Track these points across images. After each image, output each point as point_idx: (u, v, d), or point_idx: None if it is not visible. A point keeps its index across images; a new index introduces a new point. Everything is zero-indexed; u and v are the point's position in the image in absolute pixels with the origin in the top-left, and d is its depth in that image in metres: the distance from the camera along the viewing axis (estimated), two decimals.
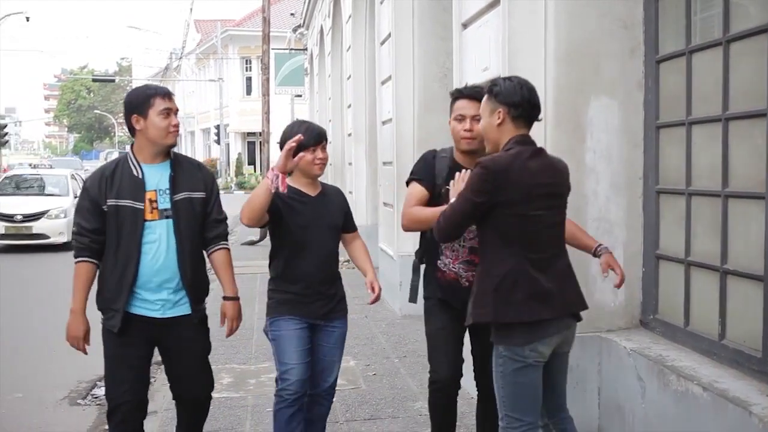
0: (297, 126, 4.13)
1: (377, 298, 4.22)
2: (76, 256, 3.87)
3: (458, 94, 4.01)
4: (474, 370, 4.15)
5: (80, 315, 3.91)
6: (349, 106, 13.83)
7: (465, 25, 5.85)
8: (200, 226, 3.98)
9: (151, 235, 3.84)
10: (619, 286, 3.71)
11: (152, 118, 3.81)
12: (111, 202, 3.81)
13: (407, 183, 4.12)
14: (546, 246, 3.36)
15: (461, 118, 3.92)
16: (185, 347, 4.02)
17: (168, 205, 3.87)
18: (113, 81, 66.87)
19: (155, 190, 3.86)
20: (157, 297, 3.89)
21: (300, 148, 3.89)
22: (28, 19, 38.90)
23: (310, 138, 4.00)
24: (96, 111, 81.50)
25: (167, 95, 3.87)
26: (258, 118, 20.77)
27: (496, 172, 3.24)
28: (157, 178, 3.88)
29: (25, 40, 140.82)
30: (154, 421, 5.40)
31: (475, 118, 3.75)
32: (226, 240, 4.13)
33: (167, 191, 3.88)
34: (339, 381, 6.05)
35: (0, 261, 14.88)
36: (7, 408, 6.03)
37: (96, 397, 6.32)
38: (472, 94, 3.90)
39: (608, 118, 4.52)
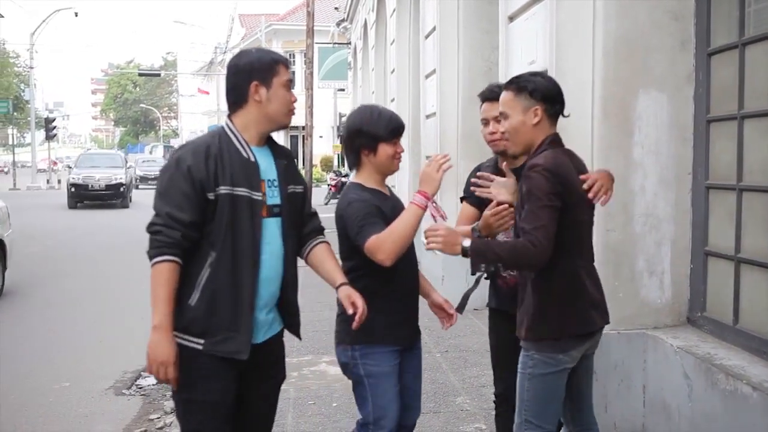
0: (372, 114, 3.42)
1: (452, 323, 3.65)
2: (156, 255, 2.96)
3: (480, 98, 3.87)
4: None
5: (168, 332, 2.95)
6: (393, 100, 13.81)
7: (511, 18, 5.80)
8: (299, 225, 3.31)
9: (266, 235, 3.10)
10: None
11: (276, 89, 3.08)
12: (224, 189, 2.99)
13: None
14: (590, 252, 3.30)
15: (485, 123, 3.81)
16: (266, 375, 3.26)
17: (278, 200, 3.14)
18: (159, 75, 67.87)
19: (264, 180, 3.11)
20: (263, 316, 3.15)
21: (377, 139, 3.34)
22: (76, 14, 39.52)
23: (389, 129, 3.38)
24: (142, 105, 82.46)
25: (288, 65, 3.18)
26: (301, 112, 20.79)
27: (558, 173, 3.04)
28: (264, 165, 3.12)
29: (73, 36, 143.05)
30: None
31: (497, 119, 3.51)
32: (323, 233, 3.46)
33: (275, 183, 3.15)
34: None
35: (50, 250, 15.14)
36: (55, 396, 6.13)
37: (140, 388, 6.40)
38: (491, 96, 3.73)
39: (657, 112, 4.45)
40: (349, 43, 26.65)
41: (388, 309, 3.31)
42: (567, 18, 4.66)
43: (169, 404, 5.84)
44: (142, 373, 6.77)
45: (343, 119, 3.75)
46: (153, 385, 6.47)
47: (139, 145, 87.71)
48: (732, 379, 3.62)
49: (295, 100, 3.18)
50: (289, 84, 3.14)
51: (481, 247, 3.06)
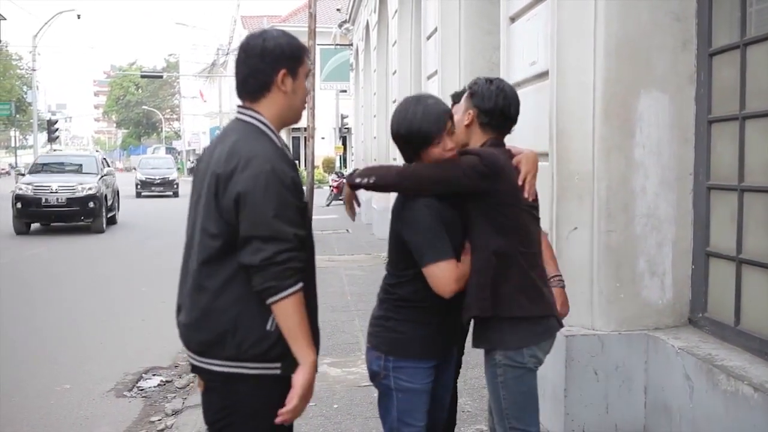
0: (415, 106, 3.05)
1: None
2: (292, 285, 2.57)
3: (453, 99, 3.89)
4: None
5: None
6: (395, 101, 13.81)
7: (513, 19, 5.79)
8: None
9: None
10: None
11: (301, 80, 2.75)
12: (305, 198, 2.76)
13: None
14: (534, 242, 3.15)
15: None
16: None
17: None
18: (161, 77, 67.89)
19: None
20: None
21: (425, 140, 2.99)
22: (79, 16, 39.48)
23: (435, 124, 3.01)
24: (144, 107, 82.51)
25: (309, 55, 2.90)
26: (303, 113, 20.79)
27: (489, 157, 3.02)
28: None
29: (76, 38, 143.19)
30: (198, 414, 5.43)
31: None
32: None
33: None
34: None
35: (50, 251, 15.14)
36: (57, 399, 6.12)
37: (141, 390, 6.39)
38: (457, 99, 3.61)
39: (658, 112, 4.44)
40: (351, 45, 26.65)
41: (427, 321, 3.09)
42: (568, 18, 4.65)
43: (170, 406, 5.84)
44: (143, 375, 6.78)
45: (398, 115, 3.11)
46: (154, 387, 6.47)
47: (141, 147, 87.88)
48: (733, 379, 3.61)
49: (309, 93, 2.88)
50: (308, 75, 2.82)
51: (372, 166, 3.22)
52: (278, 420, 2.63)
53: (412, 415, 3.12)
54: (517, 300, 3.04)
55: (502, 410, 3.12)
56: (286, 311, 2.58)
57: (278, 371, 2.66)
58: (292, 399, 2.61)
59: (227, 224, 2.61)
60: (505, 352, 3.06)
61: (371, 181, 3.07)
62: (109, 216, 19.78)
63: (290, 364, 2.66)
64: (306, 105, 2.88)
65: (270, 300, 2.57)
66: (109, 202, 19.87)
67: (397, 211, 3.09)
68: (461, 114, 3.21)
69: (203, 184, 2.71)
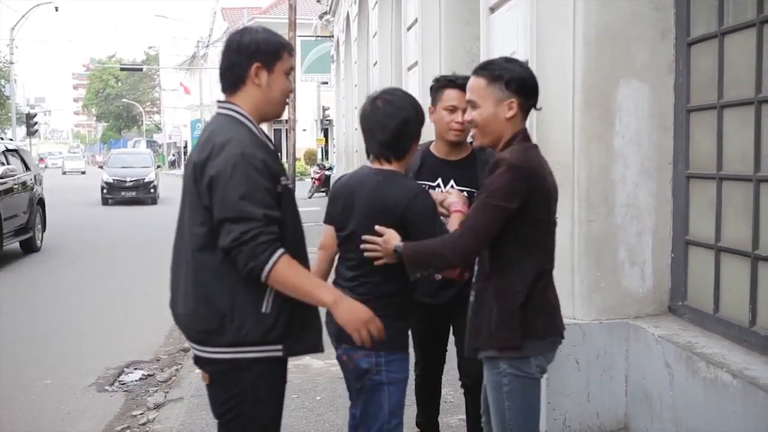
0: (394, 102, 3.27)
1: None
2: (270, 256, 2.61)
3: (448, 84, 3.73)
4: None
5: (346, 297, 2.87)
6: None
7: (492, 9, 5.80)
8: None
9: None
10: None
11: (278, 75, 2.82)
12: (284, 181, 2.80)
13: None
14: (553, 256, 3.09)
15: (452, 109, 3.69)
16: None
17: None
18: (141, 70, 67.36)
19: None
20: None
21: (416, 135, 3.27)
22: (57, 9, 39.15)
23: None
24: (124, 100, 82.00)
25: (292, 52, 2.92)
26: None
27: (528, 172, 2.86)
28: None
29: (54, 30, 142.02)
30: (180, 407, 5.43)
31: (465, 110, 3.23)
32: None
33: None
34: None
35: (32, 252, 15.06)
36: (37, 394, 6.08)
37: (123, 384, 6.37)
38: (465, 84, 3.25)
39: (638, 102, 4.45)
40: (332, 36, 26.61)
41: (407, 314, 3.25)
42: (548, 8, 4.65)
43: (152, 400, 5.82)
44: (124, 369, 6.75)
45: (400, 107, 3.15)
46: (136, 381, 6.45)
47: (122, 140, 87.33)
48: (712, 366, 3.64)
49: (292, 91, 2.97)
50: (290, 72, 2.89)
51: (410, 252, 2.95)
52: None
53: (400, 406, 3.24)
54: (533, 321, 2.93)
55: (506, 421, 2.99)
56: (279, 281, 2.64)
57: (280, 353, 2.75)
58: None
59: (207, 210, 2.68)
60: (511, 361, 2.94)
61: (432, 274, 3.12)
62: (23, 239, 13.38)
63: (292, 345, 2.78)
64: (288, 98, 2.93)
65: (261, 279, 2.63)
66: (20, 221, 13.14)
67: (397, 206, 3.08)
68: (492, 107, 2.93)
69: (187, 175, 2.79)
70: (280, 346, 2.74)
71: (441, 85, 3.78)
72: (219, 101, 2.86)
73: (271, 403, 2.82)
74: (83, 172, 60.04)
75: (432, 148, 3.89)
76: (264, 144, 2.78)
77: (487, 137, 2.99)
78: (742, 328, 3.85)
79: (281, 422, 2.94)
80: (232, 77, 2.80)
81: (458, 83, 3.64)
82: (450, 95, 3.73)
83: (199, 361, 2.85)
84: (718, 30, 4.06)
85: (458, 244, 2.86)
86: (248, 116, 2.79)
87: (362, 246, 3.03)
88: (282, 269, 2.62)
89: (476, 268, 3.09)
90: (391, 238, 3.00)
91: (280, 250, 2.63)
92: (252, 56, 2.76)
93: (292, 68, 2.91)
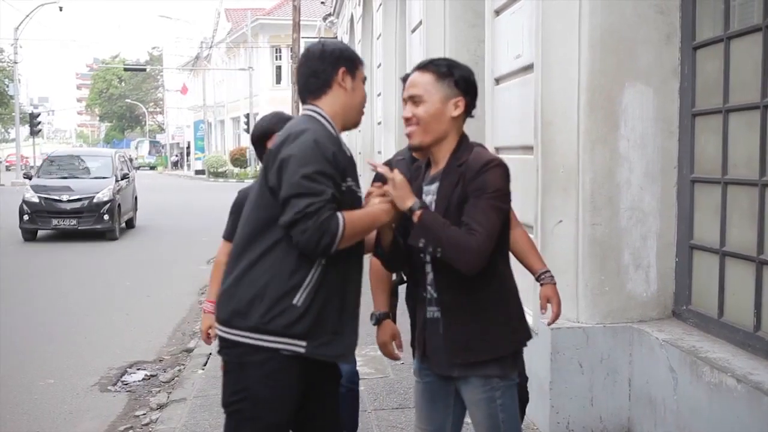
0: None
1: None
2: (337, 223, 2.66)
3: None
4: None
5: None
6: (379, 95, 13.79)
7: (498, 12, 5.79)
8: None
9: None
10: (549, 323, 3.44)
11: (359, 81, 2.94)
12: (350, 182, 2.84)
13: None
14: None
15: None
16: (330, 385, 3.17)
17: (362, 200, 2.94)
18: (144, 70, 67.42)
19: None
20: None
21: (265, 137, 3.61)
22: (61, 8, 39.22)
23: (277, 125, 3.54)
24: (127, 100, 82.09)
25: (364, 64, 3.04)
26: (287, 107, 20.81)
27: (509, 174, 2.79)
28: None
29: (58, 30, 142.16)
30: (183, 408, 5.43)
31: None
32: None
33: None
34: (367, 369, 6.08)
35: (37, 248, 15.05)
36: (40, 393, 6.09)
37: (126, 384, 6.37)
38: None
39: (643, 105, 4.45)
40: (336, 38, 26.59)
41: None
42: (553, 11, 4.65)
43: (155, 400, 5.82)
44: (127, 369, 6.75)
45: None
46: (139, 381, 6.45)
47: (125, 141, 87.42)
48: (717, 371, 3.63)
49: (366, 99, 3.02)
50: (365, 82, 2.99)
51: (429, 221, 2.71)
52: None
53: None
54: (525, 326, 2.91)
55: None
56: (348, 239, 2.68)
57: (302, 350, 2.72)
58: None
59: (272, 194, 2.72)
60: (504, 371, 2.85)
61: (438, 254, 2.72)
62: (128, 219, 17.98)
63: (317, 346, 2.74)
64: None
65: (332, 250, 2.65)
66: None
67: None
68: (438, 103, 2.81)
69: (261, 168, 2.88)
70: (304, 343, 2.72)
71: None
72: (304, 105, 2.93)
73: (275, 407, 2.78)
74: None
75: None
76: (339, 143, 2.82)
77: (428, 136, 2.83)
78: (746, 333, 3.84)
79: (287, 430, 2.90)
80: (317, 83, 2.87)
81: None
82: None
83: (221, 344, 2.86)
84: (724, 34, 4.06)
85: (481, 246, 2.67)
86: (328, 118, 2.85)
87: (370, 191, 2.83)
88: (349, 228, 2.66)
89: (430, 279, 2.89)
90: (405, 185, 2.79)
91: (340, 216, 2.64)
92: (337, 61, 2.86)
93: (365, 79, 2.99)
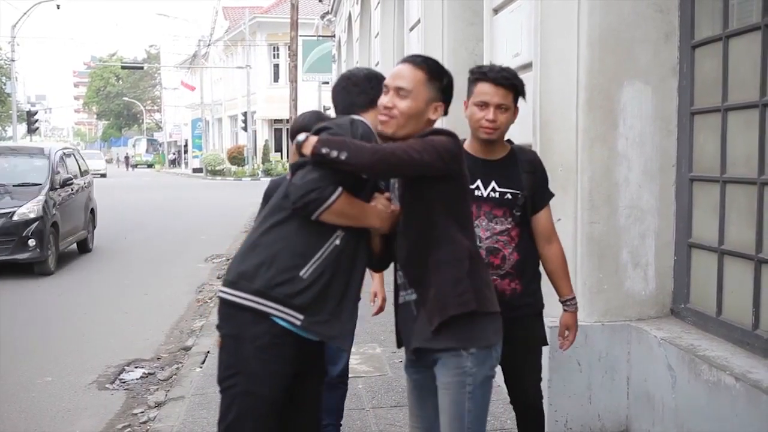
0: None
1: (380, 310, 4.25)
2: (331, 193, 2.75)
3: (482, 76, 3.37)
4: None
5: None
6: None
7: (496, 11, 5.79)
8: None
9: None
10: (563, 349, 3.59)
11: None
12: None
13: None
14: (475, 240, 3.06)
15: (483, 106, 3.34)
16: (316, 371, 3.29)
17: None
18: (142, 68, 67.36)
19: None
20: None
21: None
22: (58, 6, 39.11)
23: (311, 122, 3.74)
24: (125, 98, 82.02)
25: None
26: (285, 105, 20.81)
27: (461, 144, 2.93)
28: None
29: (55, 28, 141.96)
30: (181, 406, 5.43)
31: (500, 108, 3.30)
32: None
33: None
34: (365, 368, 6.09)
35: None
36: (38, 392, 6.08)
37: (124, 382, 6.37)
38: (499, 79, 3.33)
39: (641, 103, 4.45)
40: (334, 36, 26.59)
41: None
42: (552, 9, 4.65)
43: (153, 398, 5.82)
44: (125, 367, 6.75)
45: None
46: (137, 379, 6.45)
47: (122, 139, 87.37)
48: (715, 370, 3.64)
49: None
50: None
51: (330, 137, 2.71)
52: None
53: None
54: (486, 295, 2.84)
55: (464, 426, 2.82)
56: (339, 212, 2.74)
57: (299, 322, 2.81)
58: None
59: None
60: (477, 353, 2.80)
61: (341, 157, 2.64)
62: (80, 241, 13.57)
63: (314, 322, 2.82)
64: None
65: (316, 213, 2.71)
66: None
67: None
68: (422, 103, 2.87)
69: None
70: (301, 316, 2.81)
71: (474, 77, 3.42)
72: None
73: (267, 382, 2.86)
74: (103, 175, 48.62)
75: (467, 147, 3.46)
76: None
77: (403, 130, 2.86)
78: (745, 331, 3.85)
79: (277, 412, 2.94)
80: (366, 99, 3.04)
81: (491, 76, 3.36)
82: (483, 89, 3.36)
83: (221, 313, 2.93)
84: (723, 33, 4.06)
85: (386, 151, 2.69)
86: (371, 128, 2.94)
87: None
88: (337, 206, 2.72)
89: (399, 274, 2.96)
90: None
91: (339, 188, 2.71)
92: (380, 84, 3.00)
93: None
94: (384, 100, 2.89)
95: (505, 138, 3.47)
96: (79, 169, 14.06)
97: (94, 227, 14.47)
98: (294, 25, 17.79)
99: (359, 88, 3.10)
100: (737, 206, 4.00)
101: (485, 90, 3.34)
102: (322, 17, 27.91)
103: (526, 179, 3.44)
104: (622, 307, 4.51)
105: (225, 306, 2.91)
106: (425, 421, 3.04)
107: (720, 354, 3.80)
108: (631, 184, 4.49)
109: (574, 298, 3.54)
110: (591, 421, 4.49)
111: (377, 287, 4.25)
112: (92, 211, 14.23)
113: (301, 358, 2.92)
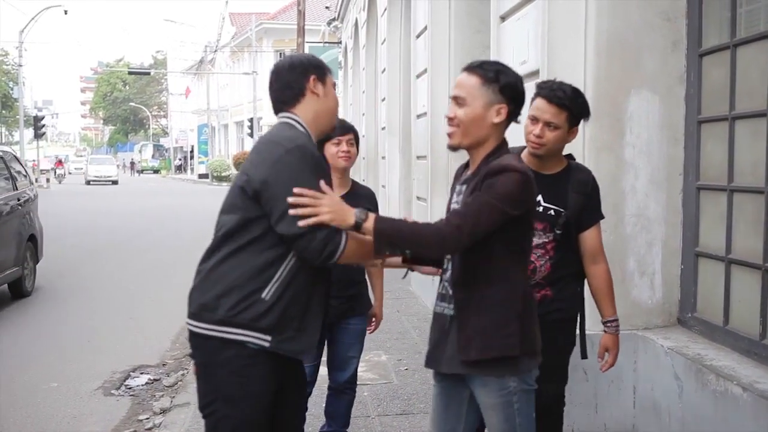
0: None
1: (374, 330, 4.47)
2: (342, 233, 2.80)
3: (539, 91, 3.42)
4: None
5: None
6: (384, 100, 13.80)
7: (503, 18, 5.79)
8: None
9: None
10: (603, 370, 3.61)
11: (329, 87, 3.04)
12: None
13: None
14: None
15: (534, 120, 3.38)
16: (298, 383, 3.28)
17: None
18: (148, 74, 67.62)
19: None
20: None
21: (324, 139, 3.82)
22: (66, 12, 39.30)
23: (335, 128, 3.97)
24: (131, 103, 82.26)
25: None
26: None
27: (531, 182, 2.76)
28: None
29: (62, 33, 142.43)
30: (186, 412, 5.43)
31: (549, 126, 3.33)
32: None
33: None
34: (371, 375, 6.08)
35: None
36: (43, 397, 6.09)
37: (129, 388, 6.37)
38: (551, 97, 3.35)
39: (649, 112, 4.45)
40: (340, 42, 26.60)
41: None
42: (559, 17, 4.65)
43: (159, 405, 5.82)
44: (131, 373, 6.75)
45: None
46: (142, 385, 6.45)
47: (128, 144, 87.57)
48: (722, 379, 3.62)
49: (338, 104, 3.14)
50: (334, 88, 3.10)
51: (386, 226, 2.70)
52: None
53: None
54: (532, 336, 2.85)
55: None
56: (348, 257, 2.80)
57: (267, 344, 2.80)
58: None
59: (251, 198, 2.82)
60: (520, 375, 2.83)
61: (407, 254, 2.80)
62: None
63: (281, 341, 2.82)
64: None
65: (335, 259, 2.76)
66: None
67: None
68: (480, 108, 2.81)
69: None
70: (269, 337, 2.80)
71: (535, 91, 3.45)
72: (280, 114, 3.01)
73: (247, 404, 2.85)
74: (115, 182, 47.81)
75: (523, 156, 3.47)
76: (316, 147, 2.95)
77: (467, 138, 2.83)
78: (752, 341, 3.83)
79: (265, 429, 2.94)
80: (291, 93, 2.97)
81: (542, 93, 3.39)
82: (537, 104, 3.41)
83: (191, 342, 2.93)
84: (730, 41, 4.05)
85: (455, 236, 2.66)
86: (303, 124, 2.94)
87: (292, 200, 2.72)
88: (350, 247, 2.77)
89: (446, 275, 2.95)
90: (338, 202, 2.77)
91: (343, 233, 2.76)
92: (306, 70, 2.96)
93: (335, 85, 3.10)
94: (448, 111, 2.88)
95: (566, 152, 3.45)
96: (12, 179, 10.14)
97: (37, 261, 10.59)
98: (301, 31, 17.82)
99: (282, 82, 3.00)
100: (744, 215, 3.99)
101: (539, 105, 3.39)
102: (329, 24, 27.92)
103: (574, 199, 3.44)
104: (628, 316, 4.49)
105: (193, 336, 2.91)
106: (445, 427, 3.04)
107: (727, 364, 3.78)
108: (638, 192, 4.48)
109: (616, 320, 3.54)
110: (597, 429, 4.48)
111: (376, 310, 4.41)
112: (32, 238, 10.32)
113: (278, 373, 2.91)
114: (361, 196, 4.17)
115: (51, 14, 43.77)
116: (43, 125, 41.84)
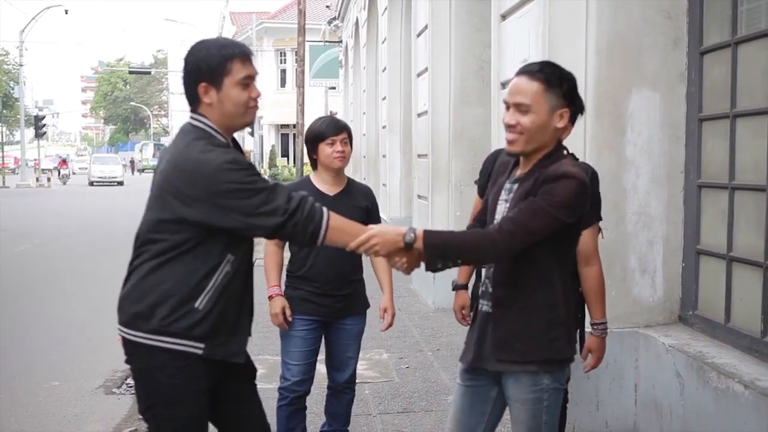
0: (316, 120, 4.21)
1: (389, 326, 4.30)
2: (323, 211, 2.79)
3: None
4: None
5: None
6: (384, 99, 13.80)
7: (504, 17, 5.79)
8: None
9: None
10: (586, 371, 3.60)
11: (228, 89, 2.79)
12: None
13: None
14: None
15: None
16: (240, 376, 3.24)
17: None
18: (149, 73, 67.62)
19: None
20: None
21: (318, 139, 4.02)
22: (66, 11, 39.34)
23: (328, 128, 4.06)
24: (132, 103, 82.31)
25: (248, 58, 2.85)
26: (292, 111, 20.79)
27: (587, 187, 2.76)
28: None
29: (63, 33, 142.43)
30: None
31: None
32: None
33: None
34: (372, 373, 6.09)
35: (41, 254, 15.07)
36: (44, 396, 6.09)
37: (131, 386, 6.36)
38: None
39: (650, 110, 4.45)
40: (341, 41, 26.62)
41: (302, 286, 4.12)
42: (560, 16, 4.65)
43: None
44: None
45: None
46: None
47: (129, 143, 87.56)
48: (723, 377, 3.62)
49: (256, 96, 2.86)
50: (249, 80, 2.83)
51: (435, 241, 2.70)
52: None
53: (288, 355, 4.16)
54: (572, 338, 2.92)
55: None
56: (333, 237, 2.76)
57: (200, 351, 2.80)
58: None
59: (176, 198, 2.75)
60: (554, 374, 2.85)
61: (459, 263, 2.81)
62: None
63: (215, 347, 2.83)
64: (251, 106, 2.88)
65: (319, 240, 2.75)
66: None
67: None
68: (545, 114, 2.75)
69: (158, 170, 2.88)
70: (202, 345, 2.80)
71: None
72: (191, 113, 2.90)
73: (186, 403, 2.85)
74: (120, 183, 45.14)
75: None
76: (228, 145, 2.85)
77: (530, 145, 2.78)
78: (753, 338, 3.83)
79: (204, 426, 2.97)
80: (189, 97, 2.86)
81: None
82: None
83: (125, 348, 2.92)
84: (731, 39, 4.05)
85: (507, 242, 2.65)
86: (213, 126, 2.81)
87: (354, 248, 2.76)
88: (334, 223, 2.75)
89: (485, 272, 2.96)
90: (383, 230, 2.76)
91: (325, 210, 2.76)
92: (196, 77, 2.80)
93: (250, 76, 2.84)
94: (506, 118, 2.80)
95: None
96: None
97: None
98: (301, 30, 17.80)
99: (183, 82, 2.87)
100: (746, 213, 3.99)
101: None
102: (329, 23, 27.94)
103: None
104: (629, 314, 4.50)
105: (127, 343, 2.89)
106: (465, 428, 3.05)
107: (728, 361, 3.78)
108: (639, 190, 4.48)
109: (604, 322, 3.53)
110: (598, 428, 4.48)
111: (387, 303, 4.28)
112: None
113: (215, 369, 2.89)
114: (357, 192, 4.21)
115: (51, 14, 43.76)
116: (44, 125, 41.88)
